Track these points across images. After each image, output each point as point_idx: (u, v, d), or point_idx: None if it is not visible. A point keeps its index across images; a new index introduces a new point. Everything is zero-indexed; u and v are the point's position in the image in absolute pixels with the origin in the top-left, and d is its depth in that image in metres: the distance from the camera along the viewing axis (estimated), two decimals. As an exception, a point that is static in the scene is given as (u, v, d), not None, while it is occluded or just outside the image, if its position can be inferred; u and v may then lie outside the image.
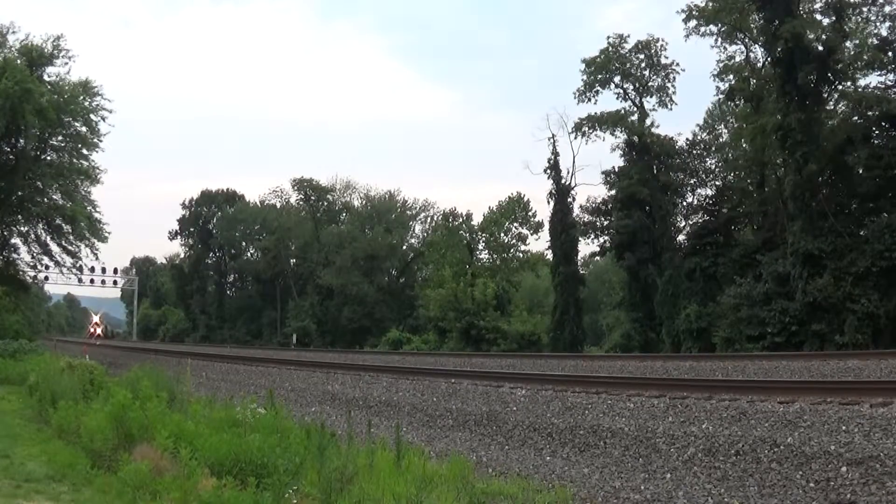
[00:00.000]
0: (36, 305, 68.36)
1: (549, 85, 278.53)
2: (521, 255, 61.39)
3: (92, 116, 37.22)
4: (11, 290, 40.51)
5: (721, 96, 44.35)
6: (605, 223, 49.27)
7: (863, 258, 30.27)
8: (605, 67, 46.19)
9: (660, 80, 46.21)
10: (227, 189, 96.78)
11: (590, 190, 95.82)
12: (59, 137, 37.95)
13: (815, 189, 32.77)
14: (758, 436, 8.69)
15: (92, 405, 11.61)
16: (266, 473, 7.36)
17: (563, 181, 48.87)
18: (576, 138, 48.06)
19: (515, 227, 60.22)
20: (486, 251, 61.88)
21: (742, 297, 33.59)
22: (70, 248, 39.64)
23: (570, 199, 49.07)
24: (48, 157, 38.59)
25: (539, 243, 70.28)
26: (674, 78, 45.99)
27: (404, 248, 77.66)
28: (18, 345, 31.80)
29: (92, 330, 53.77)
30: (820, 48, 33.10)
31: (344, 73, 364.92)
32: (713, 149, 47.40)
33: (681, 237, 45.99)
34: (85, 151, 38.19)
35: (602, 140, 49.23)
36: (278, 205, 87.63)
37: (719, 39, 41.18)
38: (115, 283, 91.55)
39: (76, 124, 37.35)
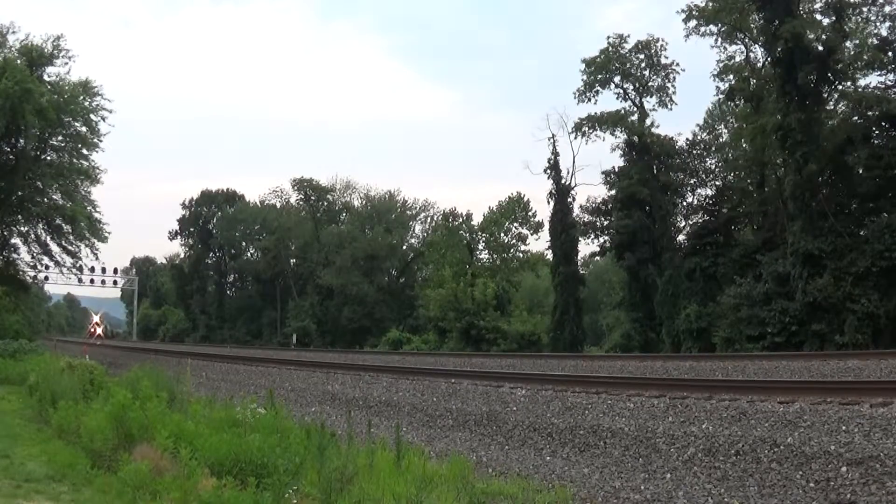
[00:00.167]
0: (36, 305, 68.31)
1: (549, 85, 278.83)
2: (521, 255, 61.46)
3: (92, 116, 37.24)
4: (11, 290, 40.50)
5: (721, 96, 44.43)
6: (605, 223, 49.28)
7: (863, 258, 30.28)
8: (605, 67, 46.19)
9: (660, 80, 46.24)
10: (227, 189, 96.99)
11: (590, 190, 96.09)
12: (59, 137, 37.95)
13: (815, 189, 32.77)
14: (758, 436, 8.69)
15: (92, 405, 11.60)
16: (266, 473, 7.35)
17: (563, 181, 48.92)
18: (576, 138, 48.17)
19: (515, 227, 60.29)
20: (486, 251, 61.95)
21: (742, 297, 33.59)
22: (70, 248, 39.65)
23: (570, 199, 49.15)
24: (48, 157, 38.59)
25: (539, 243, 70.42)
26: (674, 78, 46.08)
27: (404, 248, 77.68)
28: (18, 345, 31.81)
29: (92, 330, 53.72)
30: (820, 48, 33.10)
31: (344, 73, 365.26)
32: (713, 149, 47.40)
33: (681, 237, 46.05)
34: (85, 151, 38.20)
35: (602, 140, 49.35)
36: (278, 205, 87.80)
37: (719, 39, 41.26)
38: (115, 283, 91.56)
39: (76, 124, 37.35)
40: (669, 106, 46.16)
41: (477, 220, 61.39)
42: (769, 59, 36.87)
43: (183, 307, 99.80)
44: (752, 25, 38.51)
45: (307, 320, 72.55)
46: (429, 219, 77.47)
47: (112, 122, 38.31)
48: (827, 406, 9.22)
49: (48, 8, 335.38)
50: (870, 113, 34.43)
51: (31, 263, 41.18)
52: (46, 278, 53.03)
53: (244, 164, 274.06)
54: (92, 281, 77.11)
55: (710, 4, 39.23)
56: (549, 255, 53.34)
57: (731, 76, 42.65)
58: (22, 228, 39.71)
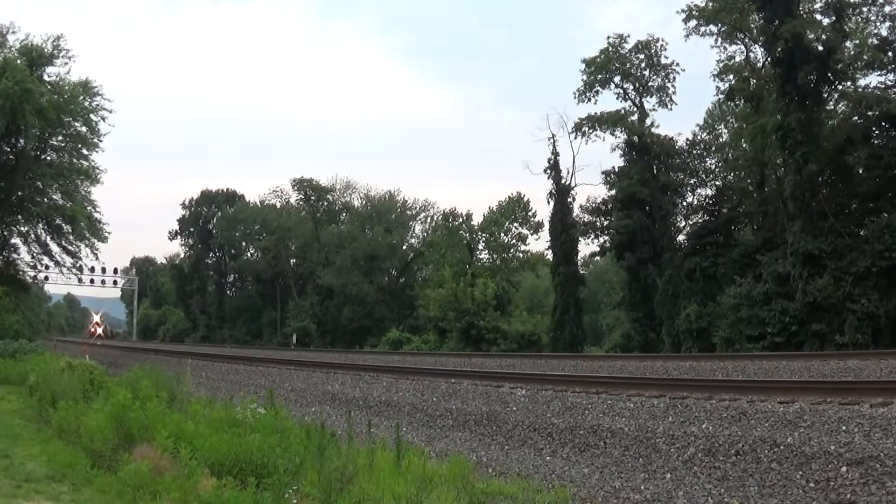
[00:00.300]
0: (36, 305, 68.33)
1: (549, 85, 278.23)
2: (521, 255, 61.39)
3: (92, 116, 37.24)
4: (11, 290, 40.49)
5: (721, 96, 44.44)
6: (605, 223, 49.30)
7: (863, 258, 30.28)
8: (605, 67, 46.18)
9: (660, 80, 46.23)
10: (227, 189, 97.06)
11: (590, 190, 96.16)
12: (59, 137, 37.94)
13: (815, 189, 32.78)
14: (758, 436, 8.69)
15: (92, 405, 11.60)
16: (266, 473, 7.36)
17: (563, 181, 48.93)
18: (576, 138, 48.16)
19: (515, 227, 60.22)
20: (486, 251, 61.89)
21: (742, 297, 33.60)
22: (70, 248, 39.65)
23: (570, 199, 49.17)
24: (48, 157, 38.58)
25: (539, 243, 70.46)
26: (674, 78, 46.06)
27: (404, 248, 77.69)
28: (18, 345, 31.80)
29: (92, 330, 53.76)
30: (820, 48, 33.11)
31: (344, 73, 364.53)
32: (713, 149, 47.41)
33: (681, 237, 46.06)
34: (85, 151, 38.20)
35: (602, 140, 49.32)
36: (278, 205, 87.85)
37: (719, 39, 41.26)
38: (115, 283, 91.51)
39: (76, 124, 37.35)
40: (669, 106, 46.21)
41: (477, 220, 61.47)
42: (769, 59, 36.89)
43: (183, 307, 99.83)
44: (752, 25, 38.52)
45: (307, 320, 72.55)
46: (429, 219, 77.60)
47: (112, 122, 38.45)
48: (827, 406, 9.22)
49: (48, 8, 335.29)
50: (870, 113, 34.45)
51: (31, 263, 41.25)
52: (46, 278, 53.05)
53: (244, 164, 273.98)
54: (92, 281, 77.09)
55: (710, 4, 39.23)
56: (549, 255, 53.37)
57: (731, 76, 42.66)
58: (22, 228, 39.74)
